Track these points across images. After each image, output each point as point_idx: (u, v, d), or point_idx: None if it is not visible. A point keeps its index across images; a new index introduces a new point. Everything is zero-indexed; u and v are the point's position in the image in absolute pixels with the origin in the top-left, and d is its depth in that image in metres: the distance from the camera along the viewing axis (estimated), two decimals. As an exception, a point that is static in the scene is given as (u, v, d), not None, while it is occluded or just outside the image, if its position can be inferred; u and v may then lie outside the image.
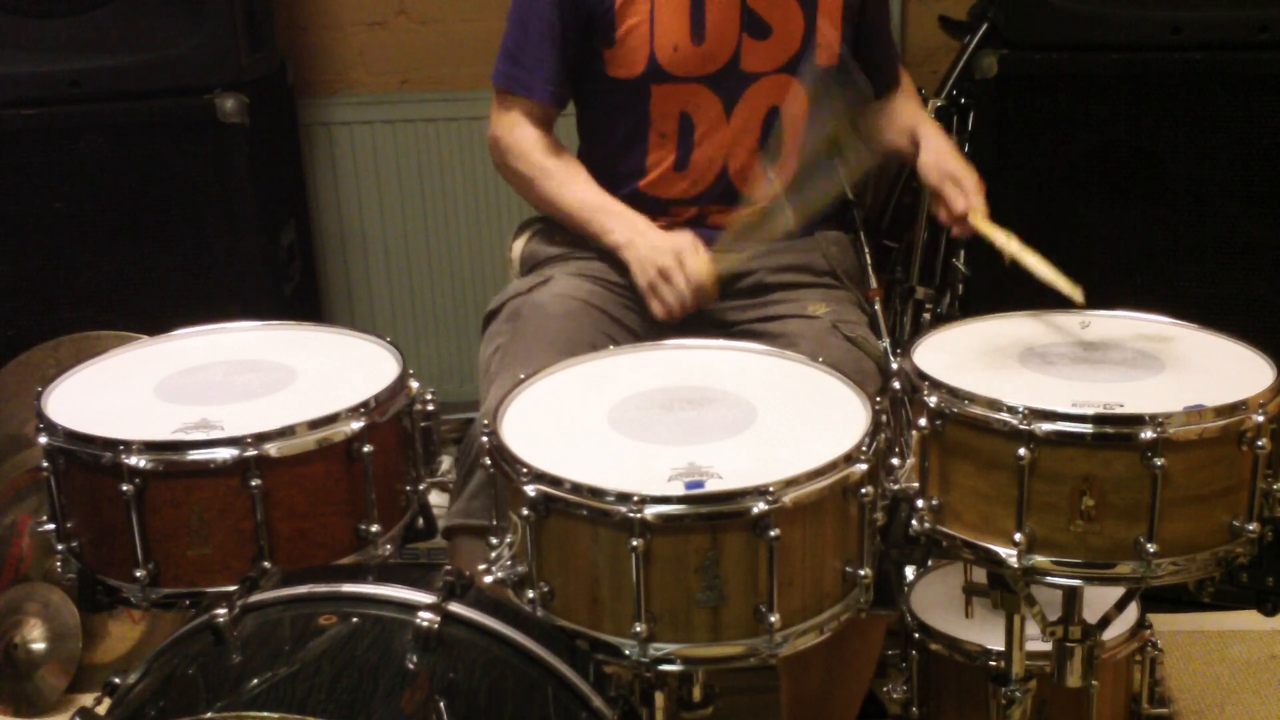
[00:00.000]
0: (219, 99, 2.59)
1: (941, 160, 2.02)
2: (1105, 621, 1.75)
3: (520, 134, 2.08)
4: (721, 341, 1.73)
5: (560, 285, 2.00)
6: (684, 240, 1.93)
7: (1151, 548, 1.44)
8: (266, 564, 1.46)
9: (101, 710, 1.32)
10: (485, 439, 1.44)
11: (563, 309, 1.95)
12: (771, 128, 2.06)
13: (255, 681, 1.23)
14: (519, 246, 2.19)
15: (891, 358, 1.93)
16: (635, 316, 2.01)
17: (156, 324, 1.87)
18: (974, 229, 1.95)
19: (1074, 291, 1.72)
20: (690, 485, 1.33)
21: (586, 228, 2.04)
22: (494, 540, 1.45)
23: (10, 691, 2.49)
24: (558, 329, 1.91)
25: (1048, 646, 1.71)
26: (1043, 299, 1.78)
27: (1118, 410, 1.45)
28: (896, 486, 1.56)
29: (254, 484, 1.44)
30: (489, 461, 1.42)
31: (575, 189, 2.05)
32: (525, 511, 1.35)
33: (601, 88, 2.07)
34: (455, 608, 1.31)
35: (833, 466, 1.36)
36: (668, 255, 1.91)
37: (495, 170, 2.17)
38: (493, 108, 2.12)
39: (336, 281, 3.34)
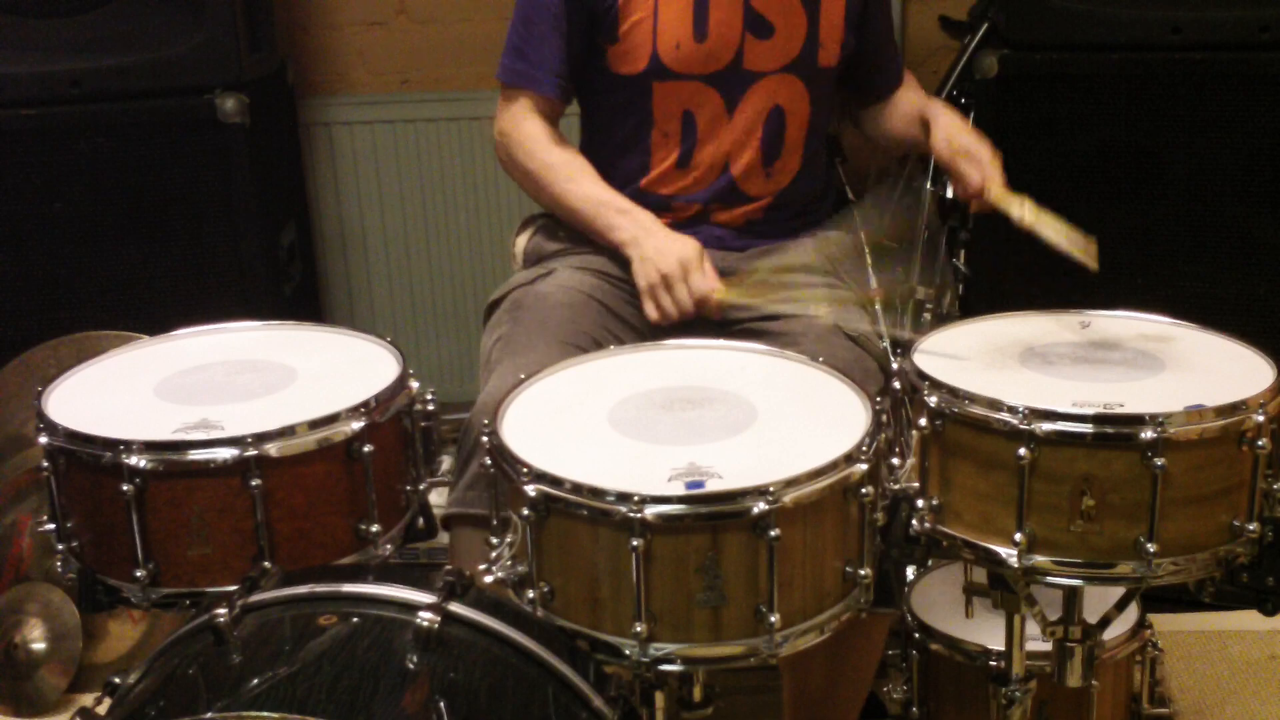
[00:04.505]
0: (219, 99, 2.59)
1: (953, 136, 2.01)
2: (1105, 621, 1.75)
3: (526, 129, 2.07)
4: (721, 341, 1.72)
5: (563, 277, 2.00)
6: (691, 250, 1.90)
7: (1152, 548, 1.43)
8: (267, 564, 1.46)
9: (101, 710, 1.32)
10: (485, 438, 1.44)
11: (565, 300, 1.94)
12: (774, 127, 2.06)
13: (255, 681, 1.23)
14: (522, 241, 2.19)
15: (892, 358, 1.93)
16: (637, 312, 2.01)
17: (156, 324, 1.87)
18: (992, 203, 1.93)
19: (1088, 255, 1.71)
20: (690, 485, 1.33)
21: (592, 224, 2.03)
22: (494, 540, 1.45)
23: (10, 691, 2.49)
24: (559, 320, 1.91)
25: (1048, 646, 1.70)
26: (1043, 299, 1.78)
27: (1118, 410, 1.45)
28: (896, 486, 1.56)
29: (254, 484, 1.44)
30: (489, 461, 1.42)
31: (581, 185, 2.04)
32: (525, 511, 1.35)
33: (604, 85, 2.07)
34: (455, 608, 1.31)
35: (833, 466, 1.36)
36: (673, 263, 1.88)
37: (498, 167, 2.17)
38: (499, 104, 2.13)
39: (336, 281, 3.34)
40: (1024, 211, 1.84)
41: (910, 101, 2.21)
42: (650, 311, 1.91)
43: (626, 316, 2.00)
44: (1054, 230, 1.78)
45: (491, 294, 2.08)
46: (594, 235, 2.05)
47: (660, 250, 1.91)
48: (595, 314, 1.95)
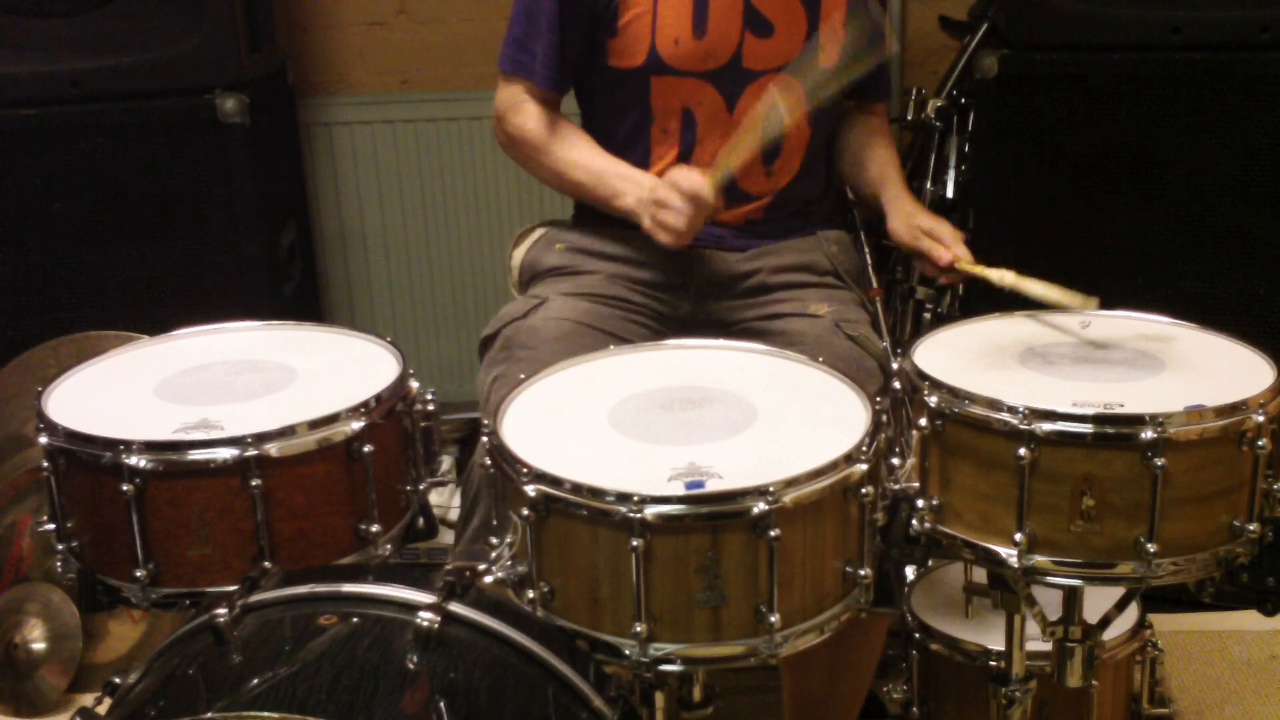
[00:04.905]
0: (219, 99, 2.59)
1: (912, 219, 2.03)
2: (1105, 621, 1.75)
3: (525, 109, 2.11)
4: (721, 341, 1.72)
5: (555, 308, 1.99)
6: (672, 170, 1.94)
7: (1152, 548, 1.43)
8: (267, 564, 1.46)
9: (101, 710, 1.32)
10: (485, 439, 1.44)
11: (557, 332, 1.94)
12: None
13: (255, 681, 1.23)
14: (518, 255, 2.19)
15: (891, 358, 1.93)
16: (634, 327, 2.01)
17: (156, 324, 1.86)
18: (964, 274, 1.95)
19: (1087, 303, 1.72)
20: (690, 485, 1.33)
21: (594, 193, 2.06)
22: (494, 540, 1.45)
23: (10, 691, 2.49)
24: (554, 354, 1.89)
25: (1048, 646, 1.70)
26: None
27: (1118, 410, 1.45)
28: (896, 486, 1.56)
29: (254, 484, 1.44)
30: (489, 461, 1.42)
31: (580, 156, 2.08)
32: (525, 511, 1.35)
33: (604, 81, 2.08)
34: (455, 608, 1.31)
35: (833, 466, 1.35)
36: (659, 187, 1.92)
37: (499, 167, 2.18)
38: (498, 88, 2.15)
39: (336, 281, 3.34)
40: (1003, 275, 1.84)
41: (878, 160, 2.19)
42: (664, 239, 1.93)
43: (622, 334, 1.99)
44: (1041, 287, 1.77)
45: (486, 325, 2.05)
46: (598, 205, 2.07)
47: (649, 189, 1.95)
48: (589, 340, 1.95)
